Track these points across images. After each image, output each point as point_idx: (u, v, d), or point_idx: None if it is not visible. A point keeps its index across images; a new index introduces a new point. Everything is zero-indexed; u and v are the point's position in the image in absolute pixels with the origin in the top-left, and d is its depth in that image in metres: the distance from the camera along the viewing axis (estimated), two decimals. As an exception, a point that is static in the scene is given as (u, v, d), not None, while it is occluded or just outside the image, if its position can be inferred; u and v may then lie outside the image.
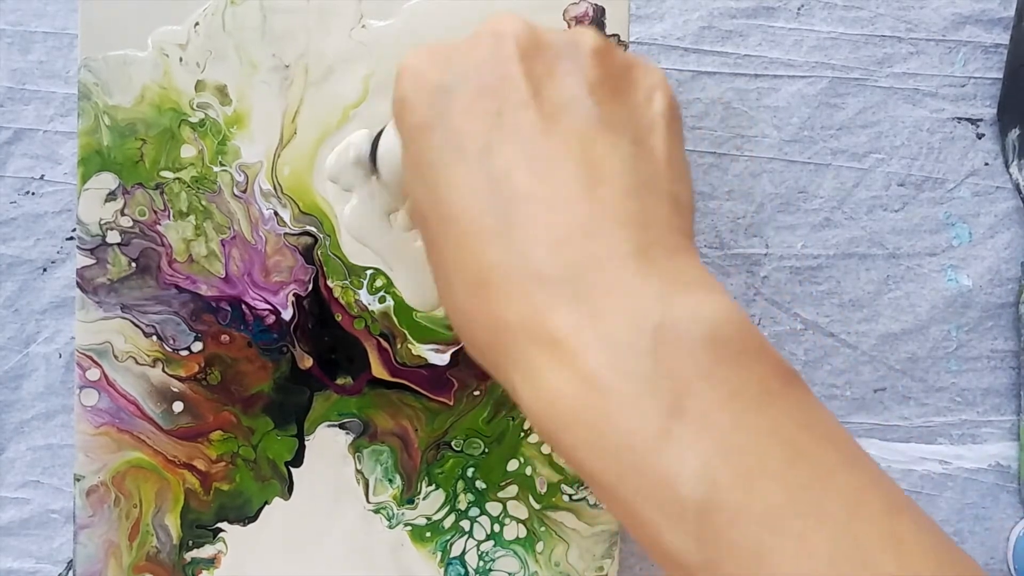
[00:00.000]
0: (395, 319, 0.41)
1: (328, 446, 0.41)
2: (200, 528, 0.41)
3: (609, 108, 0.25)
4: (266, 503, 0.41)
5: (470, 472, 0.42)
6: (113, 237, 0.40)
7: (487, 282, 0.24)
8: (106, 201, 0.40)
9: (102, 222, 0.40)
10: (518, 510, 0.42)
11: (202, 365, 0.41)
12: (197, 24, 0.40)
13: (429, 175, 0.26)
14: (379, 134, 0.36)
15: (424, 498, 0.42)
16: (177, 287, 0.41)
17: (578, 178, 0.24)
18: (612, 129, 0.25)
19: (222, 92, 0.40)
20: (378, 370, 0.41)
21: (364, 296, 0.41)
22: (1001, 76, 0.51)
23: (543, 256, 0.23)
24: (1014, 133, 0.49)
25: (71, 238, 0.49)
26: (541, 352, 0.23)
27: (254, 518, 0.41)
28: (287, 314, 0.41)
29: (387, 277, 0.41)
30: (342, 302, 0.41)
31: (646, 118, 0.26)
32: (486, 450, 0.42)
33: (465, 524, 0.42)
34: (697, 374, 0.21)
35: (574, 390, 0.22)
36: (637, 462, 0.21)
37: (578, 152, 0.24)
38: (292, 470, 0.41)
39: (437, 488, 0.42)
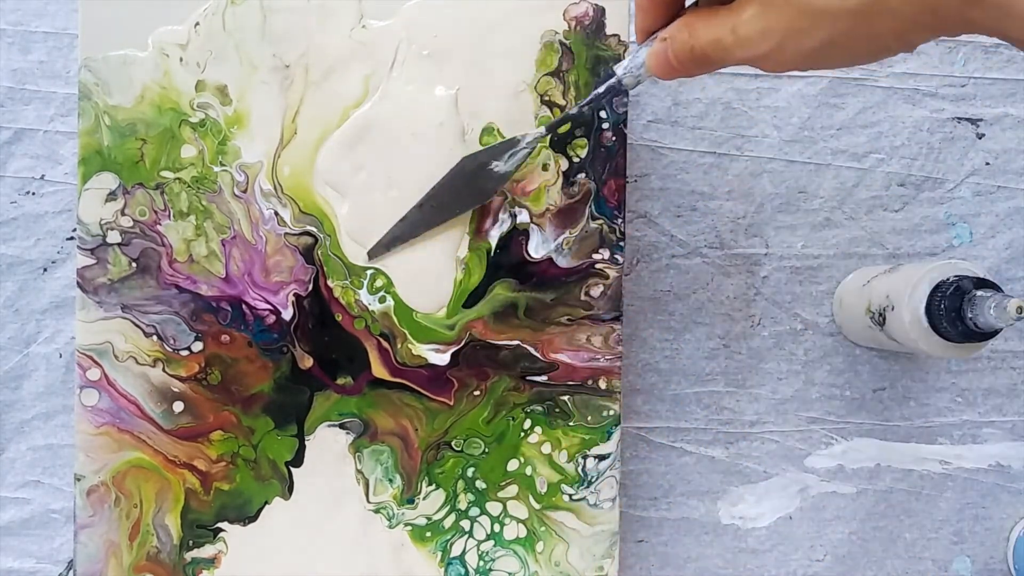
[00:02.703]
0: (395, 319, 0.41)
1: (328, 446, 0.41)
2: (200, 528, 0.41)
3: None
4: (266, 503, 0.41)
5: (470, 472, 0.42)
6: (113, 237, 0.40)
7: None
8: (106, 201, 0.40)
9: (102, 222, 0.40)
10: (518, 510, 0.42)
11: (202, 365, 0.41)
12: (197, 24, 0.40)
13: None
14: None
15: (424, 498, 0.42)
16: (177, 287, 0.41)
17: None
18: None
19: (222, 92, 0.40)
20: (378, 370, 0.41)
21: (364, 296, 0.41)
22: (1002, 76, 0.51)
23: None
24: None
25: (71, 238, 0.49)
26: None
27: (254, 518, 0.41)
28: (287, 314, 0.41)
29: (387, 277, 0.41)
30: (342, 302, 0.41)
31: None
32: (486, 450, 0.42)
33: (465, 524, 0.42)
34: None
35: None
36: None
37: None
38: (292, 470, 0.41)
39: (437, 488, 0.42)
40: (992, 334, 0.40)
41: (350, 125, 0.41)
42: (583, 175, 0.41)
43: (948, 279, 0.41)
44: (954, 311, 0.40)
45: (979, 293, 0.40)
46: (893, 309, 0.43)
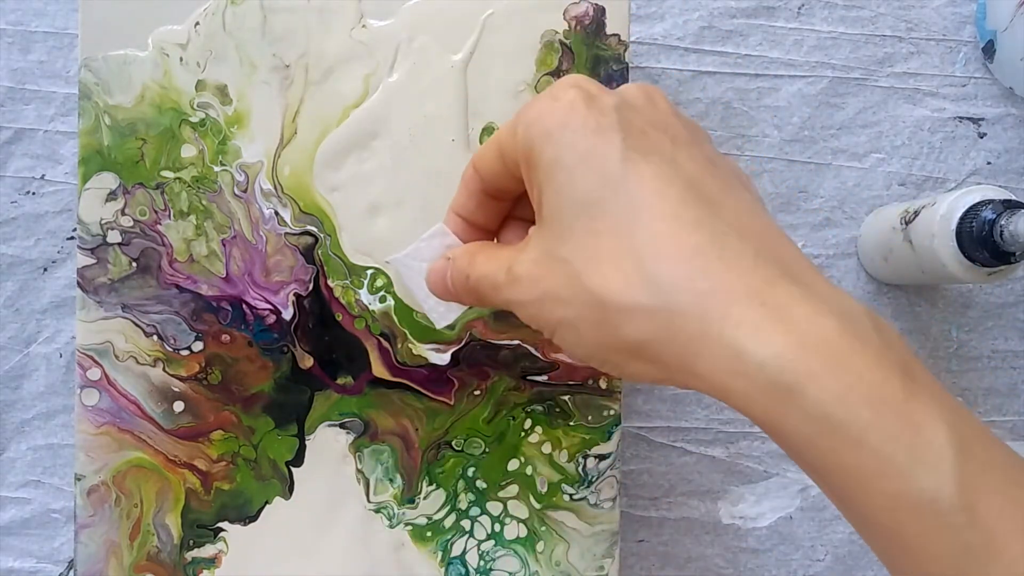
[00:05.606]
0: (395, 319, 0.41)
1: (329, 446, 0.41)
2: (201, 528, 0.41)
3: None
4: (267, 503, 0.41)
5: (470, 472, 0.42)
6: (114, 237, 0.40)
7: (695, 254, 0.26)
8: (107, 201, 0.40)
9: (103, 222, 0.40)
10: (519, 510, 0.42)
11: (203, 365, 0.41)
12: (197, 24, 0.40)
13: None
14: None
15: (425, 498, 0.42)
16: (178, 287, 0.41)
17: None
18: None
19: (222, 92, 0.40)
20: (378, 370, 0.41)
21: (364, 296, 0.41)
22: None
23: (756, 246, 0.26)
24: None
25: (72, 238, 0.49)
26: (763, 318, 0.25)
27: (255, 518, 0.41)
28: (288, 314, 0.41)
29: (387, 277, 0.41)
30: (343, 302, 0.41)
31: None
32: (486, 450, 0.42)
33: (466, 524, 0.42)
34: (907, 353, 0.25)
35: (799, 352, 0.24)
36: (888, 410, 0.24)
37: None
38: (293, 470, 0.41)
39: (438, 488, 0.42)
40: (1005, 258, 0.41)
41: (349, 124, 0.41)
42: (583, 175, 0.41)
43: (996, 199, 0.41)
44: (989, 222, 0.40)
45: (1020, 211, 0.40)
46: (934, 204, 0.43)
